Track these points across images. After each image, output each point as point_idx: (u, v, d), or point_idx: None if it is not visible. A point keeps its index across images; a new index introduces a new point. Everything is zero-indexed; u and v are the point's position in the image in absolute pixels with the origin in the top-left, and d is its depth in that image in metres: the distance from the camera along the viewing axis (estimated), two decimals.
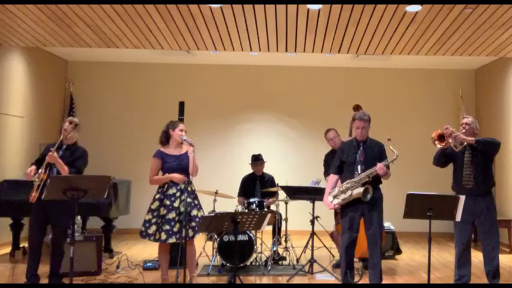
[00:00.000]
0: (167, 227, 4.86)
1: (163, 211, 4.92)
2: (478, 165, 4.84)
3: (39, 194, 4.67)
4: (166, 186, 4.99)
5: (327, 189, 5.17)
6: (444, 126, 4.73)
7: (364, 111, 5.09)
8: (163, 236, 4.86)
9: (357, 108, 6.43)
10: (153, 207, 4.99)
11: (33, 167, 4.80)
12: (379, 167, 4.77)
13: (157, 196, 5.02)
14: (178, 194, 4.95)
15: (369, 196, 4.78)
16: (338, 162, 5.12)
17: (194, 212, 4.95)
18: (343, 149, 5.15)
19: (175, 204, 4.91)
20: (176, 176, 4.95)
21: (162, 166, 5.04)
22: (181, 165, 5.00)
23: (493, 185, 4.97)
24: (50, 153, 4.72)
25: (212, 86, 9.58)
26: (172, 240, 4.88)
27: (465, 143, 4.81)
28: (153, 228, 4.92)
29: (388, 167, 4.86)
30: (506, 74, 8.34)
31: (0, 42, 6.98)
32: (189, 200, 4.96)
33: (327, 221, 6.65)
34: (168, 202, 4.92)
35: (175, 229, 4.87)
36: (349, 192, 4.87)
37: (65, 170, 4.78)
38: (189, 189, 5.01)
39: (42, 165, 4.79)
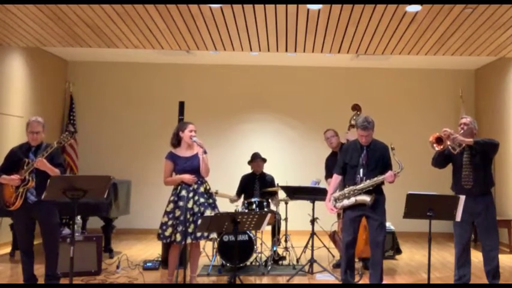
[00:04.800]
0: (182, 228, 4.87)
1: (177, 212, 4.94)
2: (477, 165, 4.84)
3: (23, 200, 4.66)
4: (179, 188, 5.02)
5: (329, 190, 5.17)
6: (442, 129, 4.74)
7: (367, 116, 4.96)
8: (179, 237, 4.88)
9: (355, 107, 6.41)
10: (168, 209, 5.01)
11: (17, 176, 4.66)
12: (390, 175, 4.77)
13: (172, 198, 5.05)
14: (191, 194, 4.97)
15: (370, 204, 4.80)
16: (342, 163, 5.12)
17: (208, 212, 4.96)
18: (347, 150, 5.12)
19: (189, 205, 4.93)
20: (186, 177, 4.98)
21: (174, 168, 5.08)
22: (192, 166, 5.03)
23: (493, 185, 4.97)
24: (39, 159, 4.59)
25: (212, 86, 9.58)
26: (187, 241, 4.90)
27: (463, 144, 4.81)
28: (170, 230, 4.94)
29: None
30: (506, 74, 8.34)
31: (0, 42, 6.98)
32: (202, 200, 5.00)
33: (327, 222, 6.64)
34: (181, 203, 4.94)
35: (190, 230, 4.88)
36: (352, 200, 4.88)
37: (56, 172, 4.65)
38: (202, 189, 5.05)
39: (22, 172, 4.66)
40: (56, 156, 4.81)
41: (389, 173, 4.79)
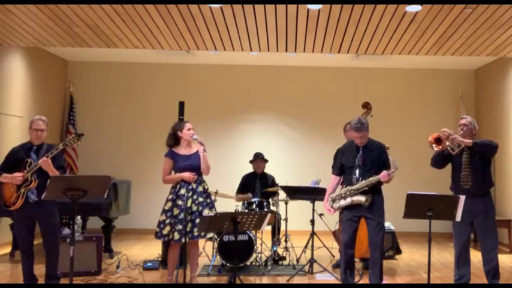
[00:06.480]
0: (180, 226, 4.87)
1: (176, 211, 4.94)
2: (476, 166, 4.84)
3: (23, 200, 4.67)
4: (178, 186, 5.01)
5: (327, 191, 5.18)
6: (441, 130, 4.73)
7: (360, 117, 4.97)
8: (176, 235, 4.88)
9: (365, 106, 6.40)
10: (166, 207, 5.00)
11: (20, 174, 4.65)
12: (384, 175, 4.77)
13: (170, 197, 5.04)
14: (190, 193, 4.96)
15: (367, 204, 4.79)
16: (339, 164, 5.13)
17: (206, 211, 4.96)
18: (343, 151, 5.14)
19: (187, 204, 4.92)
20: (186, 175, 4.97)
21: (174, 166, 5.07)
22: (193, 164, 5.02)
23: (492, 186, 4.96)
24: (44, 158, 4.58)
25: (212, 86, 9.58)
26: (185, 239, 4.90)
27: (462, 145, 4.80)
28: (167, 228, 4.93)
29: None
30: (506, 74, 8.34)
31: (0, 42, 6.99)
32: (201, 199, 5.00)
33: (329, 220, 6.65)
34: (180, 202, 4.94)
35: (187, 229, 4.87)
36: (349, 200, 4.88)
37: (56, 174, 4.64)
38: (201, 188, 5.05)
39: (24, 171, 4.65)
40: (58, 158, 4.81)
41: (383, 173, 4.79)
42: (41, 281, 4.99)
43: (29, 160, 4.73)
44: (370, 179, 4.82)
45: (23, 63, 8.06)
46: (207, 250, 6.54)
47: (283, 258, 6.59)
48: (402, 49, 6.87)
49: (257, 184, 7.06)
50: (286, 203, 6.86)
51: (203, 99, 9.44)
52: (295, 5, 5.32)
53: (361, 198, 4.81)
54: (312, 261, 5.95)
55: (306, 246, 6.70)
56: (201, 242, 6.71)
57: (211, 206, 5.10)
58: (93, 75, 9.62)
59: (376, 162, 4.90)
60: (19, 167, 4.72)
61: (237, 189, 7.14)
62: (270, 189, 6.89)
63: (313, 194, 6.03)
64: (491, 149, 4.86)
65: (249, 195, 6.86)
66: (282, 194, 6.82)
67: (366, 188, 4.83)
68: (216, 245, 6.05)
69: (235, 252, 5.11)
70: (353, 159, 4.96)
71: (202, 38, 6.51)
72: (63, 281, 4.99)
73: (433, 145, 4.74)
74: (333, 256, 6.76)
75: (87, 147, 9.24)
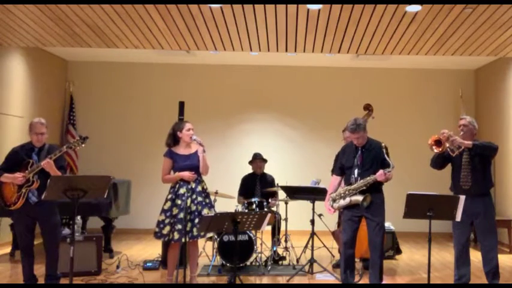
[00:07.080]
0: (179, 226, 4.87)
1: (175, 211, 4.94)
2: (476, 166, 4.84)
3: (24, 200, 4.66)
4: (177, 186, 5.01)
5: (328, 190, 5.19)
6: (441, 131, 4.73)
7: (357, 118, 4.97)
8: (176, 235, 4.88)
9: (367, 107, 6.40)
10: (165, 207, 5.00)
11: (22, 174, 4.65)
12: (380, 174, 4.77)
13: (169, 196, 5.04)
14: (189, 193, 4.96)
15: (365, 204, 4.79)
16: (339, 164, 5.15)
17: (205, 211, 4.97)
18: (344, 152, 5.16)
19: (187, 204, 4.92)
20: (186, 174, 4.97)
21: (173, 166, 5.07)
22: (192, 164, 5.03)
23: (492, 186, 4.96)
24: (47, 160, 4.59)
25: (212, 86, 9.58)
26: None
27: (462, 147, 4.80)
28: (167, 228, 4.92)
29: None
30: (506, 74, 8.34)
31: (0, 42, 6.98)
32: (200, 198, 5.00)
33: (328, 220, 6.65)
34: (179, 202, 4.94)
35: (187, 228, 4.87)
36: (347, 200, 4.89)
37: (58, 175, 4.66)
38: (200, 188, 5.05)
39: (25, 172, 4.65)
40: (59, 158, 4.80)
41: (379, 172, 4.80)
42: (41, 281, 4.98)
43: (30, 161, 4.73)
44: (367, 178, 4.83)
45: (23, 63, 8.06)
46: (207, 250, 6.54)
47: (283, 258, 6.59)
48: (402, 49, 6.87)
49: (257, 185, 7.05)
50: (286, 203, 6.85)
51: (203, 99, 9.44)
52: (295, 5, 5.32)
53: (359, 198, 4.82)
54: (312, 261, 5.95)
55: (306, 246, 6.70)
56: (201, 242, 6.71)
57: (210, 205, 5.10)
58: (93, 75, 9.62)
59: (375, 161, 4.91)
60: (20, 167, 4.72)
61: (238, 192, 7.12)
62: (270, 189, 6.88)
63: (313, 194, 6.03)
64: (491, 151, 4.86)
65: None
66: (281, 195, 6.82)
67: (364, 188, 4.83)
68: (216, 245, 6.05)
69: (235, 252, 5.10)
70: (352, 160, 4.98)
71: (202, 38, 6.51)
72: (63, 281, 4.98)
73: (433, 147, 4.75)
74: (333, 256, 6.76)
75: (87, 147, 9.07)
